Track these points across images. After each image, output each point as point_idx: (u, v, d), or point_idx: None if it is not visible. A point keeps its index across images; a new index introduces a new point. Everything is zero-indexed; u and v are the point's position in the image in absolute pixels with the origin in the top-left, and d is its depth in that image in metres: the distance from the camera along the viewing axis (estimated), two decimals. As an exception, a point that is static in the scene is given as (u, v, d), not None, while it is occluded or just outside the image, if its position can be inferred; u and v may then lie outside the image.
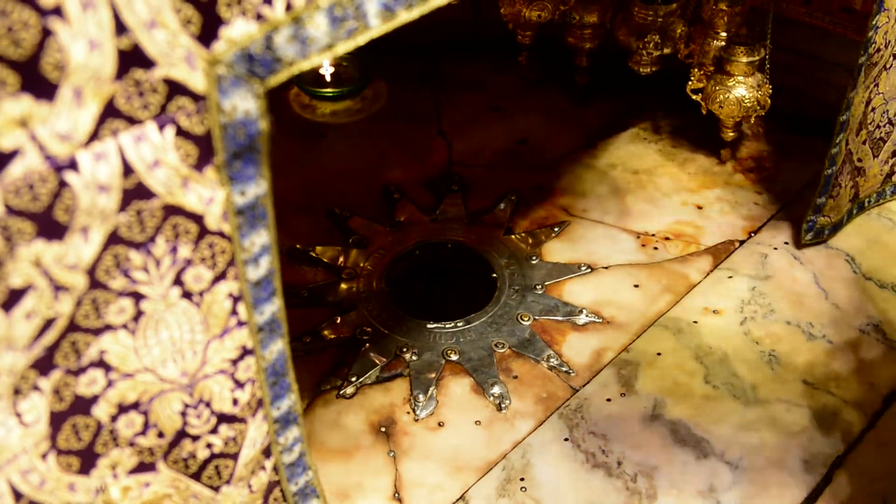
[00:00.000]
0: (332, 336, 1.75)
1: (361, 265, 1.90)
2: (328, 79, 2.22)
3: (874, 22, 1.49)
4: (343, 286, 1.86)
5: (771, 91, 1.95)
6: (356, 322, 1.78)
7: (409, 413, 1.60)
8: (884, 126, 1.76)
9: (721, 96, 1.96)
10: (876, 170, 1.84)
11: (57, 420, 0.70)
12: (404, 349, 1.71)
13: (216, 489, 0.85)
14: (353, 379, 1.66)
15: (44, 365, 0.66)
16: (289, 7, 0.65)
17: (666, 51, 2.07)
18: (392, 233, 1.97)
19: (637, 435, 1.52)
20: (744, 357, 1.63)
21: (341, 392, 1.63)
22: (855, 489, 1.42)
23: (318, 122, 2.20)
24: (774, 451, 1.47)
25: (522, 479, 1.46)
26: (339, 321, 1.77)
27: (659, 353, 1.65)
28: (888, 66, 1.61)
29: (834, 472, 1.43)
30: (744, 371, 1.60)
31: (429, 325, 1.76)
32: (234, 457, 0.84)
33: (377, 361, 1.70)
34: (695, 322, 1.70)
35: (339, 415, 1.59)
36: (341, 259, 1.91)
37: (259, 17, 0.64)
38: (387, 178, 2.08)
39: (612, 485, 1.44)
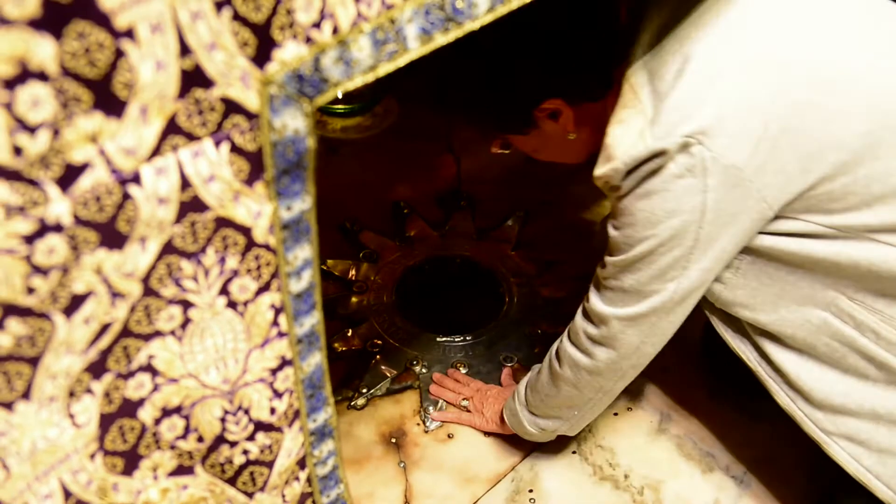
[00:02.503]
0: (344, 348, 1.77)
1: (372, 279, 1.93)
2: (339, 95, 2.26)
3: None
4: (354, 299, 1.88)
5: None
6: (367, 335, 1.80)
7: (419, 425, 1.63)
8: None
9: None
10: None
11: (105, 422, 0.73)
12: (414, 362, 1.74)
13: (250, 495, 0.88)
14: (364, 391, 1.68)
15: (97, 368, 0.69)
16: (335, 30, 0.68)
17: (673, 71, 2.11)
18: (402, 247, 2.00)
19: (643, 449, 1.55)
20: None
21: (352, 403, 1.66)
22: None
23: (329, 138, 2.23)
24: (779, 466, 1.50)
25: (531, 491, 1.49)
26: (350, 334, 1.80)
27: (665, 368, 1.68)
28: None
29: (838, 487, 1.46)
30: (750, 386, 1.63)
31: (438, 339, 1.79)
32: (270, 465, 0.87)
33: (387, 374, 1.72)
34: (701, 338, 1.73)
35: (350, 426, 1.62)
36: (352, 272, 1.94)
37: (308, 39, 0.67)
38: (397, 193, 2.12)
39: (619, 497, 1.47)
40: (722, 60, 1.03)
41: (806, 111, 1.00)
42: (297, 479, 0.92)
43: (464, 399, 1.64)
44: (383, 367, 1.73)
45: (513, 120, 1.25)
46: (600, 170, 1.08)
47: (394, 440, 1.60)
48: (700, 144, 0.98)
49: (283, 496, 0.91)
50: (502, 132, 1.34)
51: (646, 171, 1.04)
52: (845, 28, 1.07)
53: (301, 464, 0.91)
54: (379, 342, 1.78)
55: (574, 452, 1.55)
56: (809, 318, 1.14)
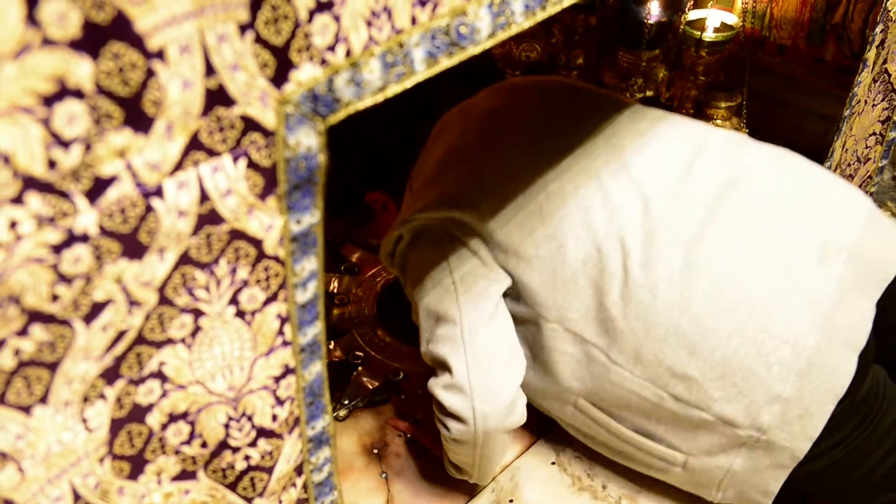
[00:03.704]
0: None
1: (353, 291, 1.95)
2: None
3: (858, 79, 1.60)
4: (336, 311, 1.91)
5: (747, 134, 2.05)
6: (348, 347, 1.83)
7: (400, 436, 1.65)
8: (853, 163, 1.88)
9: (700, 138, 2.06)
10: (844, 203, 1.96)
11: (115, 426, 0.75)
12: (395, 374, 1.76)
13: (249, 500, 0.90)
14: (346, 402, 1.71)
15: (111, 374, 0.72)
16: (348, 53, 0.72)
17: (648, 93, 2.17)
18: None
19: (621, 460, 1.59)
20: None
21: (334, 414, 1.68)
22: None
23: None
24: (752, 478, 1.54)
25: (511, 501, 1.52)
26: (332, 345, 1.82)
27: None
28: (861, 112, 1.73)
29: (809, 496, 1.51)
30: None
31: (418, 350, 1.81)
32: (269, 471, 0.89)
33: (369, 385, 1.75)
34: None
35: (333, 436, 1.64)
36: (334, 285, 1.96)
37: (323, 62, 0.70)
38: (378, 207, 2.14)
39: (597, 507, 1.51)
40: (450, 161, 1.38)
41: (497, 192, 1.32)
42: (293, 485, 0.94)
43: (419, 416, 1.67)
44: (365, 379, 1.76)
45: (353, 210, 1.60)
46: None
47: (375, 451, 1.63)
48: (430, 213, 1.31)
49: (280, 502, 0.94)
50: (353, 221, 1.66)
51: (400, 249, 1.37)
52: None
53: (298, 470, 0.93)
54: (360, 354, 1.81)
55: (553, 463, 1.58)
56: (564, 410, 1.43)
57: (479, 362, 1.25)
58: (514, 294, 1.34)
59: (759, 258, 1.21)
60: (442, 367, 1.29)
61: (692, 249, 1.22)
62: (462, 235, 1.31)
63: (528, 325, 1.35)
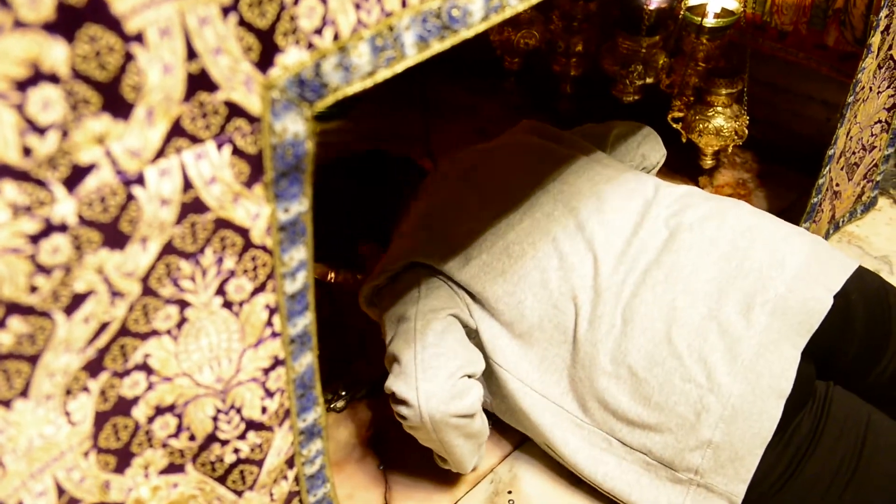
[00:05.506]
0: (325, 351, 1.78)
1: (352, 281, 1.93)
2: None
3: (862, 65, 1.57)
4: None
5: (748, 122, 2.03)
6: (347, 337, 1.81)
7: (398, 427, 1.64)
8: (858, 152, 1.85)
9: (700, 126, 2.03)
10: (850, 192, 1.93)
11: (100, 420, 0.74)
12: (394, 364, 1.74)
13: (239, 493, 0.89)
14: (344, 393, 1.69)
15: (94, 367, 0.70)
16: (336, 37, 0.70)
17: (648, 80, 2.14)
18: (381, 249, 2.00)
19: (620, 451, 1.57)
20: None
21: (332, 406, 1.67)
22: None
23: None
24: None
25: (510, 492, 1.51)
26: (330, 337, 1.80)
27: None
28: (866, 99, 1.70)
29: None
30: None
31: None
32: (259, 464, 0.88)
33: (367, 376, 1.73)
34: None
35: (330, 428, 1.62)
36: (331, 274, 1.94)
37: (310, 45, 0.68)
38: (376, 196, 2.12)
39: (596, 499, 1.49)
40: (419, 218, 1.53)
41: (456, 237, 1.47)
42: (285, 477, 0.93)
43: None
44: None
45: (347, 260, 1.69)
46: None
47: (373, 443, 1.61)
48: (402, 261, 1.45)
49: (271, 495, 0.92)
50: (346, 270, 1.72)
51: (378, 292, 1.49)
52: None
53: (290, 463, 0.92)
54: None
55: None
56: (538, 443, 1.52)
57: (425, 348, 1.33)
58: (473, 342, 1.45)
59: (689, 313, 1.32)
60: (395, 362, 1.36)
61: (630, 307, 1.35)
62: (433, 273, 1.46)
63: (486, 373, 1.45)
